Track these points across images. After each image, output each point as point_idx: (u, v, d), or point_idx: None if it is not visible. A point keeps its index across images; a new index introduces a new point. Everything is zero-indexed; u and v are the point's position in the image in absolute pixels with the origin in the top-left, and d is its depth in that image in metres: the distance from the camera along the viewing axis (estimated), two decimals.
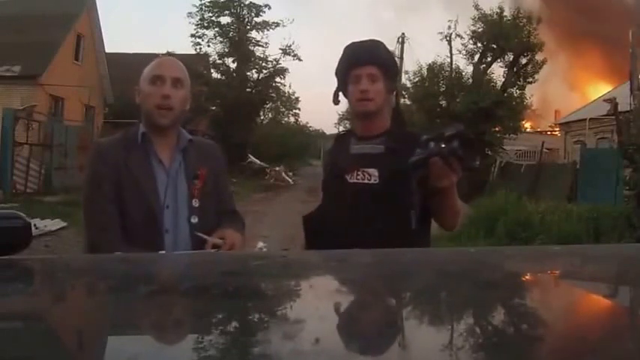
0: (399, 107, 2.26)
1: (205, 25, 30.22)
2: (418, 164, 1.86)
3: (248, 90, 29.19)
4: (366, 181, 2.07)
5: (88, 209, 2.01)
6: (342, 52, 2.19)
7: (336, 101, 2.22)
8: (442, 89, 21.63)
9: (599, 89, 29.97)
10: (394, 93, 2.23)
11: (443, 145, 1.80)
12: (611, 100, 11.92)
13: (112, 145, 2.01)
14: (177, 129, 2.03)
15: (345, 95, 2.18)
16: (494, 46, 21.24)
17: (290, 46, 30.88)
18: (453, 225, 2.15)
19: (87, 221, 2.01)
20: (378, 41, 2.20)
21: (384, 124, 2.14)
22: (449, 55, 22.16)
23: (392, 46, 29.56)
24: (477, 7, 21.28)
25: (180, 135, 2.03)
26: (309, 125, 47.48)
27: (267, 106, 34.88)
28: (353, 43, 2.18)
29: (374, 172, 2.06)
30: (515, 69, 21.33)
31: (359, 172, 2.08)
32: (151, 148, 1.98)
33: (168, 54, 28.22)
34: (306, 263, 1.34)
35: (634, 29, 13.84)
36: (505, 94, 20.89)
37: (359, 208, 2.04)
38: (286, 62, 31.66)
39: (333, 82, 2.21)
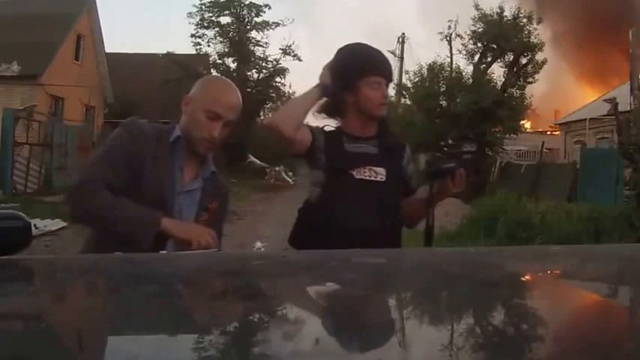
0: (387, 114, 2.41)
1: (205, 25, 30.25)
2: (445, 171, 2.13)
3: (248, 90, 29.14)
4: (372, 178, 2.18)
5: (94, 160, 1.96)
6: (352, 53, 2.28)
7: (331, 95, 2.23)
8: (442, 89, 21.62)
9: (599, 89, 29.99)
10: None
11: (466, 157, 2.15)
12: (611, 100, 11.92)
13: (148, 130, 1.97)
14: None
15: (346, 94, 2.22)
16: (494, 46, 21.24)
17: (290, 46, 30.92)
18: (417, 224, 2.37)
19: (86, 167, 1.96)
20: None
21: (375, 128, 2.30)
22: (449, 55, 22.18)
23: (392, 45, 29.63)
24: (477, 7, 21.30)
25: (207, 160, 2.03)
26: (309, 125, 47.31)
27: (267, 106, 34.87)
28: (367, 48, 2.31)
29: (381, 170, 2.19)
30: (515, 69, 21.32)
31: (365, 170, 2.18)
32: (179, 153, 1.96)
33: (168, 54, 28.34)
34: (306, 263, 1.34)
35: (634, 29, 13.84)
36: (505, 94, 20.88)
37: (366, 204, 2.14)
38: (286, 62, 31.69)
39: None
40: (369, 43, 2.33)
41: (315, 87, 2.19)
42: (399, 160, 2.27)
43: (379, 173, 2.18)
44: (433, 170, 2.18)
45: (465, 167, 2.14)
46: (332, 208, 2.15)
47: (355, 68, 2.22)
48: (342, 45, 2.31)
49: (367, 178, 2.17)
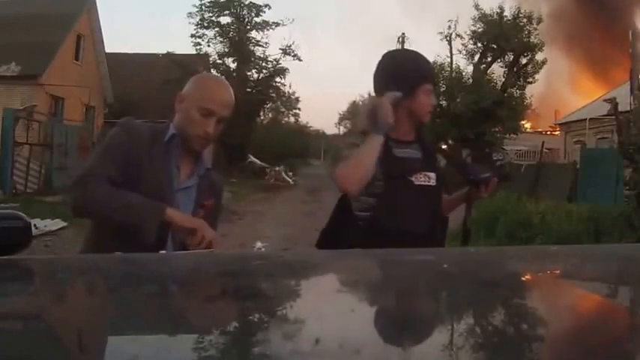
0: None
1: (205, 25, 30.25)
2: (482, 180, 2.22)
3: (248, 90, 29.14)
4: (427, 183, 2.22)
5: (94, 157, 1.99)
6: (411, 59, 2.34)
7: (398, 103, 2.21)
8: (442, 89, 21.64)
9: (599, 89, 29.98)
10: None
11: (497, 166, 2.28)
12: (611, 100, 11.92)
13: (144, 130, 1.99)
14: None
15: (402, 100, 2.21)
16: (494, 46, 21.28)
17: (290, 46, 30.93)
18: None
19: (86, 163, 1.99)
20: None
21: (415, 132, 2.35)
22: (449, 55, 22.22)
23: (392, 45, 29.62)
24: (477, 7, 21.33)
25: (202, 158, 2.03)
26: (309, 125, 47.52)
27: (267, 106, 34.89)
28: (420, 56, 2.38)
29: (432, 175, 2.23)
30: (515, 69, 21.36)
31: (421, 175, 2.21)
32: (174, 151, 1.97)
33: (168, 54, 28.34)
34: (306, 263, 1.34)
35: (634, 29, 13.84)
36: (505, 94, 20.92)
37: (425, 209, 2.19)
38: (286, 62, 31.68)
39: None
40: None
41: (376, 134, 2.09)
42: (437, 163, 2.34)
43: (431, 178, 2.22)
44: (470, 179, 2.26)
45: (496, 175, 2.26)
46: (397, 216, 2.12)
47: (416, 74, 2.25)
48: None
49: (424, 183, 2.20)
